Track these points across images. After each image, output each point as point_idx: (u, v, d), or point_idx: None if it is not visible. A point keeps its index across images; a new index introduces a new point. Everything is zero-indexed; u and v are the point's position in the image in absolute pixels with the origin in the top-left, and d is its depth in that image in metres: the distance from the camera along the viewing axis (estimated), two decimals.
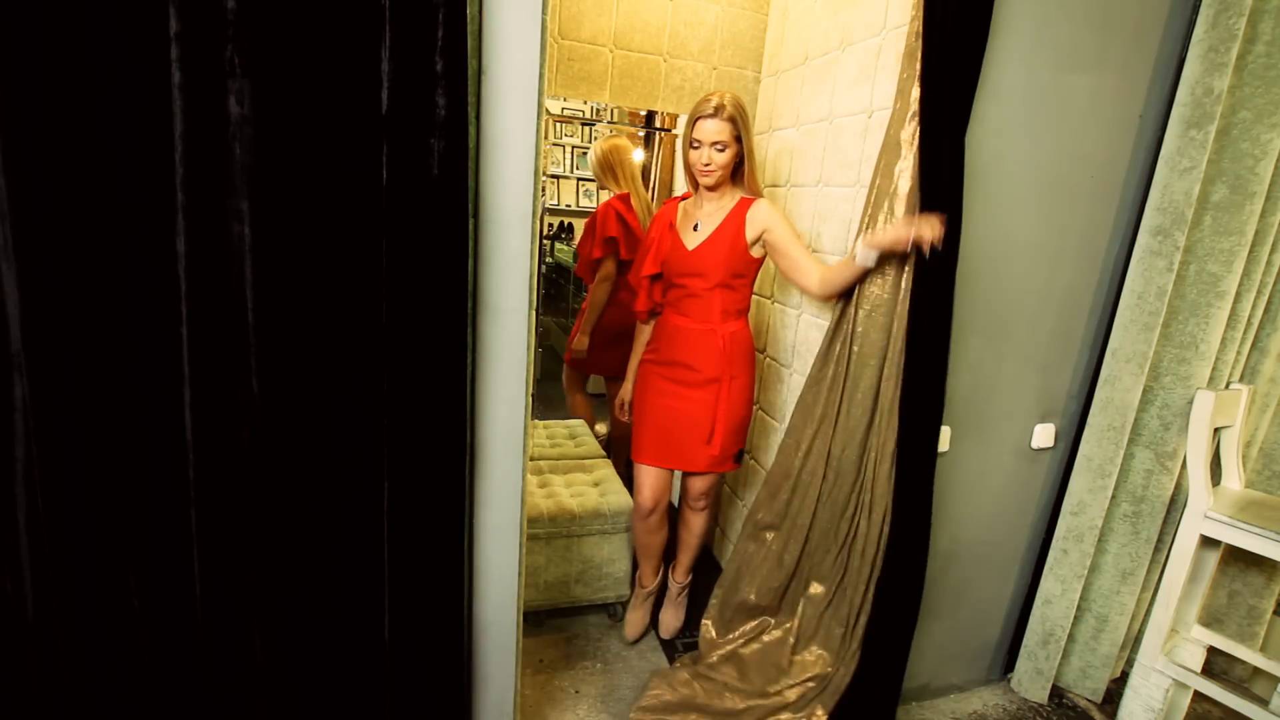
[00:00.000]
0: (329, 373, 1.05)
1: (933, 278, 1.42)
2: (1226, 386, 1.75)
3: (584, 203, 4.96)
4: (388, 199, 1.00)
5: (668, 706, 1.67)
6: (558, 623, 2.08)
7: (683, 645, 2.03)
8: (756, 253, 1.74)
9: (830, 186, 1.84)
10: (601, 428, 2.95)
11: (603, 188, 2.67)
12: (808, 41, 1.98)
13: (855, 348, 1.56)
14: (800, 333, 1.98)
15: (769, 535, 1.76)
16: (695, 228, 1.78)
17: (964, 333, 1.61)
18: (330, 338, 1.04)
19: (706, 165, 1.68)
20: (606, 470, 2.31)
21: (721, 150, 1.67)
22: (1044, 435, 1.80)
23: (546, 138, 2.16)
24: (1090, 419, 1.77)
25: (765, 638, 1.76)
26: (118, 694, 1.07)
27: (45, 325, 0.89)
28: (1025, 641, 1.95)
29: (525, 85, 1.09)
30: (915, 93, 1.38)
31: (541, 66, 1.09)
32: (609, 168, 2.53)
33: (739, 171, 1.74)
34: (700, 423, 1.81)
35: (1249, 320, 1.72)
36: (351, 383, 1.07)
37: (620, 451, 2.65)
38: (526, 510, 1.32)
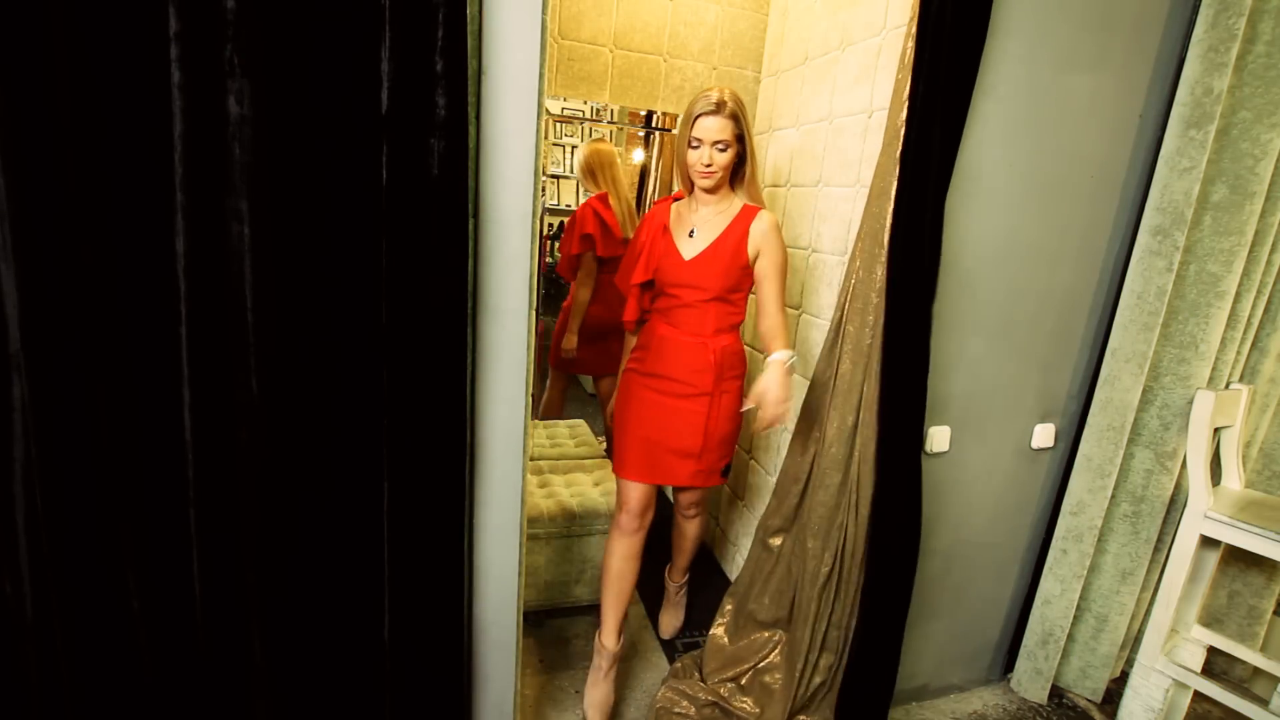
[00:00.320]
0: (329, 373, 1.05)
1: (913, 273, 1.42)
2: (1226, 386, 1.75)
3: None
4: (387, 199, 1.00)
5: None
6: (558, 623, 2.08)
7: (683, 645, 2.03)
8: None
9: (830, 186, 1.84)
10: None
11: (585, 189, 2.75)
12: (808, 41, 1.98)
13: (848, 347, 1.56)
14: (800, 332, 1.98)
15: (778, 540, 1.76)
16: (691, 234, 1.65)
17: (964, 333, 1.61)
18: (330, 338, 1.04)
19: (708, 166, 1.55)
20: (606, 470, 2.31)
21: (723, 150, 1.54)
22: (1044, 435, 1.80)
23: (546, 138, 2.16)
24: (1090, 419, 1.77)
25: (775, 656, 1.75)
26: (117, 695, 1.07)
27: (44, 325, 0.88)
28: (1025, 641, 1.95)
29: (525, 85, 1.09)
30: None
31: (541, 66, 1.09)
32: (589, 170, 2.62)
33: (738, 174, 1.62)
34: (687, 435, 1.69)
35: (1249, 320, 1.72)
36: (351, 383, 1.07)
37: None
38: (526, 510, 1.32)
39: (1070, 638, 1.93)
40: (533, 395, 1.26)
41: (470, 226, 1.10)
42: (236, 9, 0.87)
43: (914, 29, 1.33)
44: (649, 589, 2.23)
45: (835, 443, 1.57)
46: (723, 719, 1.69)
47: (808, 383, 1.73)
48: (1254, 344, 1.79)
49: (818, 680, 1.66)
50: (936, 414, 1.65)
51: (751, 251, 1.61)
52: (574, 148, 2.73)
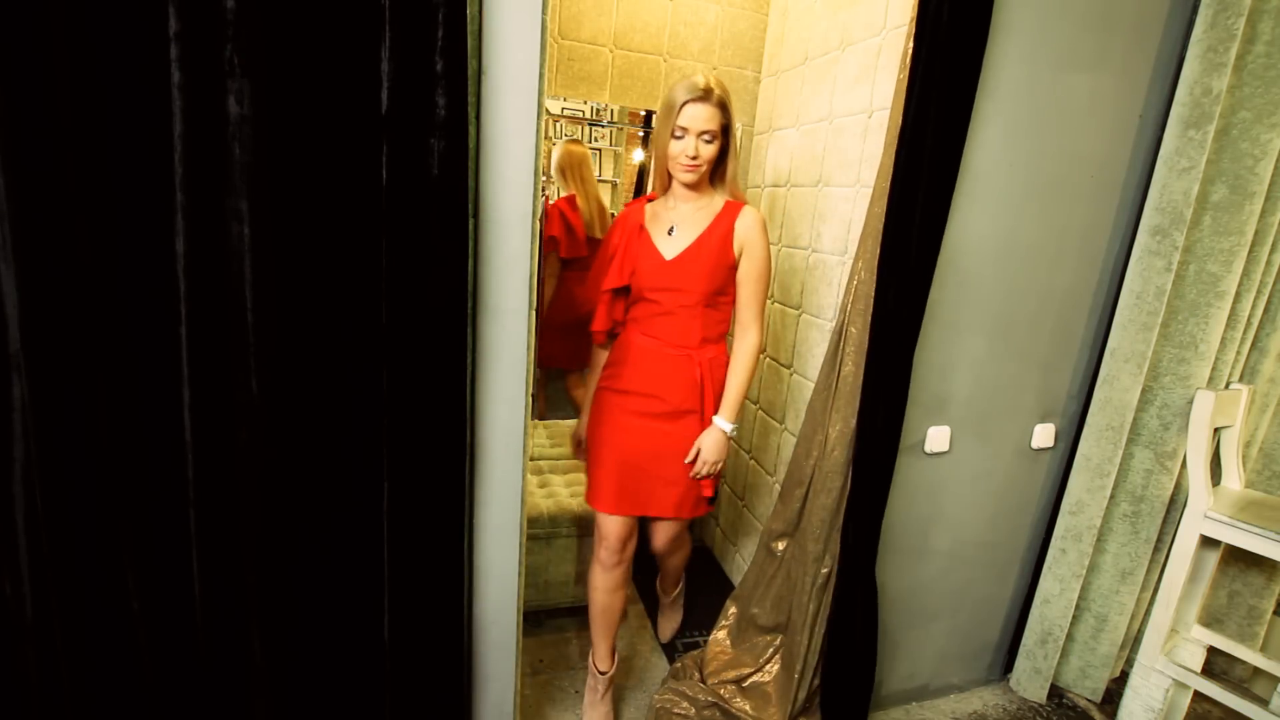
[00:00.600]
0: (328, 373, 1.05)
1: (906, 272, 1.42)
2: (1226, 386, 1.75)
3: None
4: (387, 199, 1.00)
5: None
6: (558, 623, 2.08)
7: (683, 645, 2.03)
8: None
9: (830, 186, 1.84)
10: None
11: (559, 189, 2.79)
12: (808, 41, 1.98)
13: (850, 349, 1.56)
14: (800, 332, 1.98)
15: (781, 544, 1.76)
16: (670, 232, 1.52)
17: (964, 333, 1.61)
18: (330, 338, 1.04)
19: (692, 159, 1.43)
20: None
21: (710, 141, 1.43)
22: (1044, 435, 1.80)
23: (546, 138, 2.16)
24: (1089, 418, 1.77)
25: (776, 660, 1.75)
26: (117, 695, 1.07)
27: (44, 325, 0.88)
28: (1024, 641, 1.95)
29: (525, 85, 1.09)
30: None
31: (541, 66, 1.09)
32: (561, 170, 2.65)
33: (719, 169, 1.50)
34: (669, 460, 1.55)
35: (1249, 320, 1.73)
36: (351, 383, 1.07)
37: None
38: (526, 510, 1.32)
39: (1070, 637, 1.93)
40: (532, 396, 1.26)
41: (470, 226, 1.10)
42: (236, 9, 0.87)
43: (914, 29, 1.33)
44: (648, 589, 2.23)
45: (838, 446, 1.56)
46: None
47: (810, 384, 1.73)
48: (1254, 344, 1.80)
49: (816, 683, 1.66)
50: (936, 414, 1.65)
51: (736, 248, 1.50)
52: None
